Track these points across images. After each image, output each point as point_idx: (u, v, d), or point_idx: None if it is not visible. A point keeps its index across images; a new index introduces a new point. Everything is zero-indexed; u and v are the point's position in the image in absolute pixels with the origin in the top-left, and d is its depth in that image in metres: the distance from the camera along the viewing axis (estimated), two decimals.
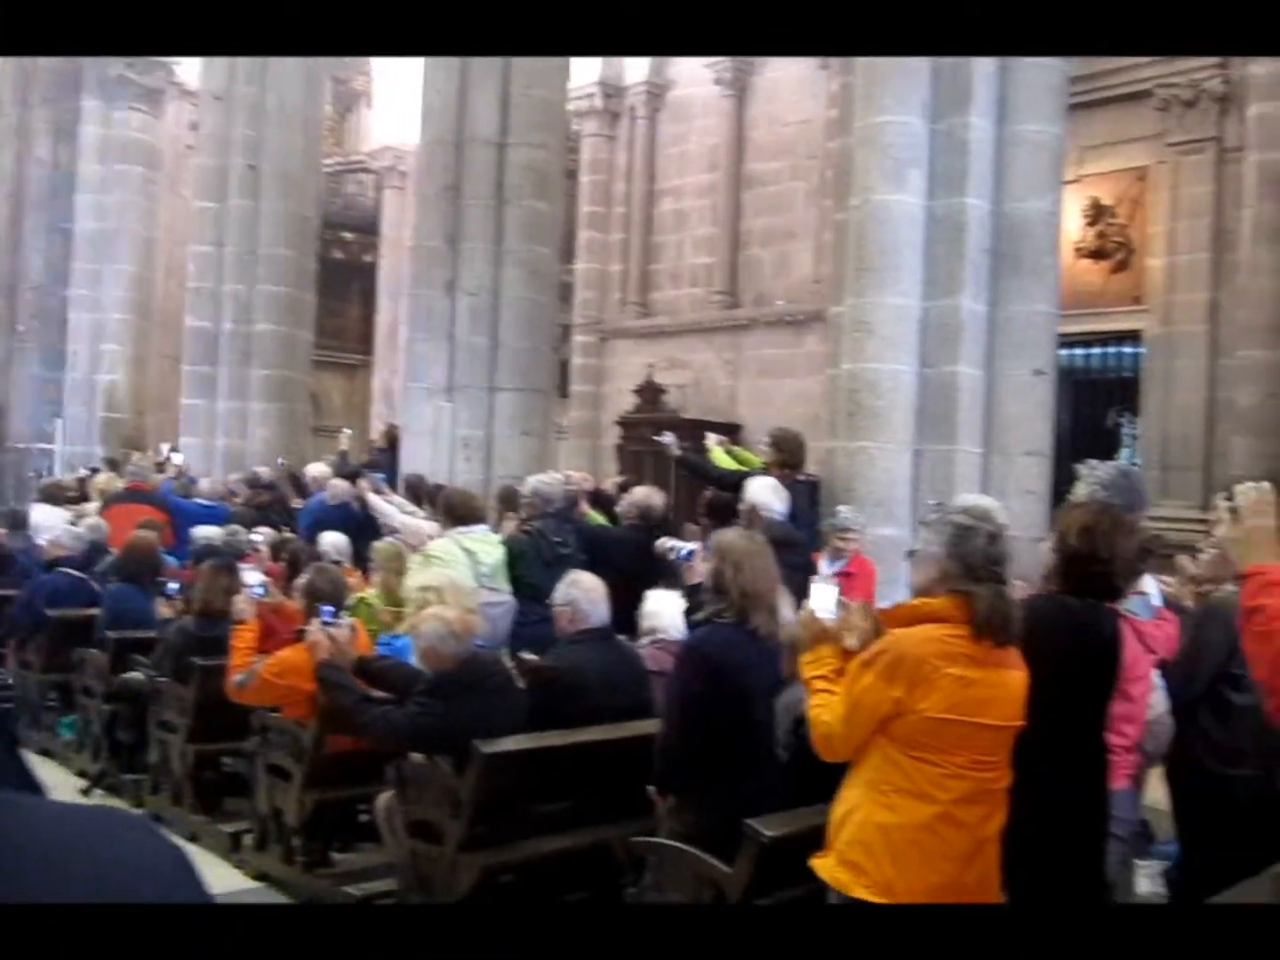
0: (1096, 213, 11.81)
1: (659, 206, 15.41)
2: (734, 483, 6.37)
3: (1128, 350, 12.09)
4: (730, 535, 3.85)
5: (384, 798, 4.49)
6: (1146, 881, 4.56)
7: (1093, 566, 3.23)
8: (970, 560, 2.90)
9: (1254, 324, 10.76)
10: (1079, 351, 12.36)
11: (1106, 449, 12.23)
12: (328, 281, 15.35)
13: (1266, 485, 2.33)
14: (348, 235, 18.83)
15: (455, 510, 6.11)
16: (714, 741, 3.52)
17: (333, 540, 6.83)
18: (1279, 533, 2.30)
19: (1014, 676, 2.96)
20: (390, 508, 7.39)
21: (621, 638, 4.87)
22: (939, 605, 2.90)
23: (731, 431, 11.23)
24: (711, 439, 7.64)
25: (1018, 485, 6.23)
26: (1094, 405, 12.70)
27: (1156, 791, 4.21)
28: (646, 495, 6.62)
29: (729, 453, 7.48)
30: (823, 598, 3.09)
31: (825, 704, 2.94)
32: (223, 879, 5.12)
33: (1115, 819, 3.48)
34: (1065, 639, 3.20)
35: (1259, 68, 10.70)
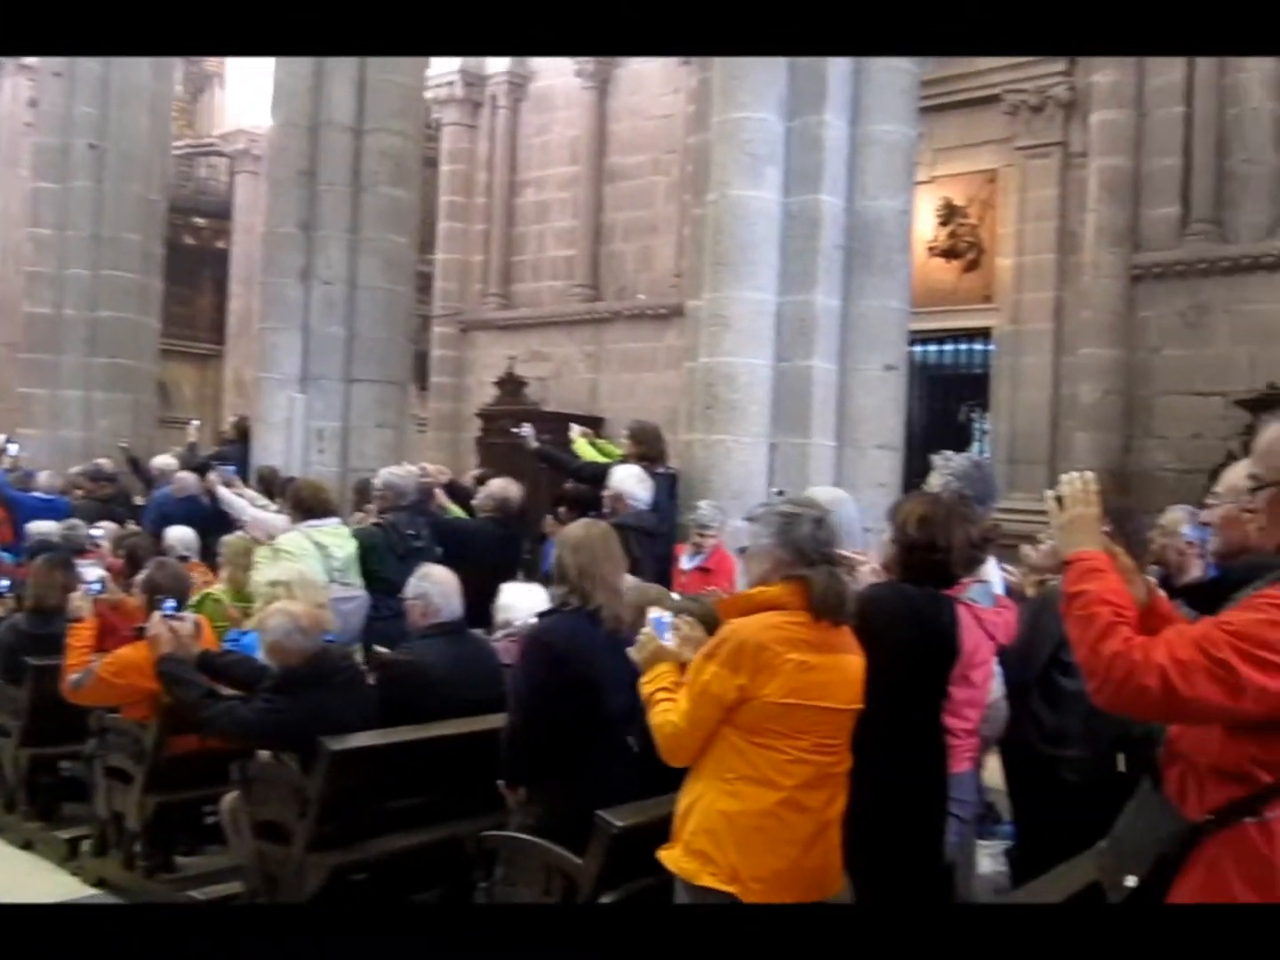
0: (949, 213, 12.14)
1: (521, 197, 15.32)
2: (592, 475, 6.37)
3: (978, 347, 12.47)
4: (571, 526, 3.88)
5: (229, 798, 4.36)
6: (989, 861, 4.70)
7: (931, 555, 3.32)
8: (801, 546, 2.97)
9: (1095, 323, 11.24)
10: (932, 348, 12.70)
11: (959, 443, 12.61)
12: (178, 268, 14.86)
13: (1090, 474, 2.40)
14: (200, 220, 18.26)
15: (305, 503, 5.96)
16: (561, 732, 3.51)
17: (179, 535, 6.62)
18: (1101, 520, 2.37)
19: (852, 660, 3.04)
20: (241, 501, 7.17)
21: (479, 631, 4.83)
22: (776, 593, 2.96)
23: (594, 424, 11.25)
24: (575, 430, 7.62)
25: (870, 478, 6.36)
26: (947, 400, 13.07)
27: (999, 774, 4.34)
28: (503, 487, 6.56)
29: (592, 444, 7.48)
30: (656, 619, 3.15)
31: (669, 708, 2.98)
32: (60, 887, 4.93)
33: (957, 801, 3.56)
34: (905, 627, 3.28)
35: (1102, 76, 11.15)
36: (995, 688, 3.84)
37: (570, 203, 14.76)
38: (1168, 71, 10.96)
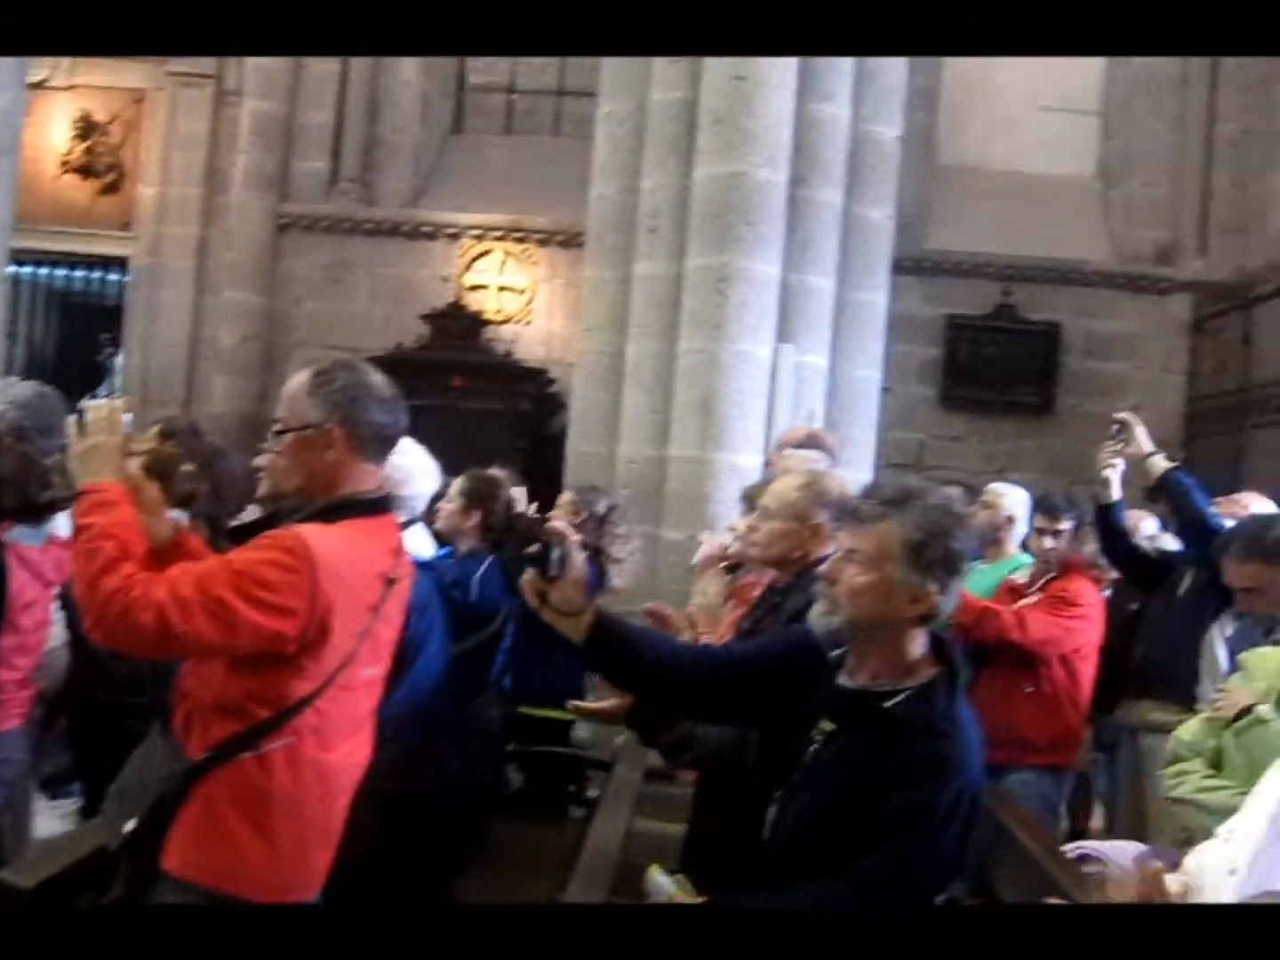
0: (88, 128, 11.28)
1: None
2: None
3: (114, 277, 11.81)
4: None
5: None
6: (60, 822, 4.45)
7: None
8: None
9: (239, 267, 11.22)
10: (63, 272, 11.84)
11: (93, 377, 11.87)
12: None
13: (119, 402, 2.26)
14: None
15: None
16: None
17: None
18: (126, 450, 2.24)
19: None
20: None
21: None
22: None
23: None
24: None
25: None
26: (78, 330, 12.23)
27: None
28: None
29: None
30: None
31: None
32: None
33: (3, 761, 3.27)
34: None
35: None
36: (55, 635, 3.59)
37: None
38: None
